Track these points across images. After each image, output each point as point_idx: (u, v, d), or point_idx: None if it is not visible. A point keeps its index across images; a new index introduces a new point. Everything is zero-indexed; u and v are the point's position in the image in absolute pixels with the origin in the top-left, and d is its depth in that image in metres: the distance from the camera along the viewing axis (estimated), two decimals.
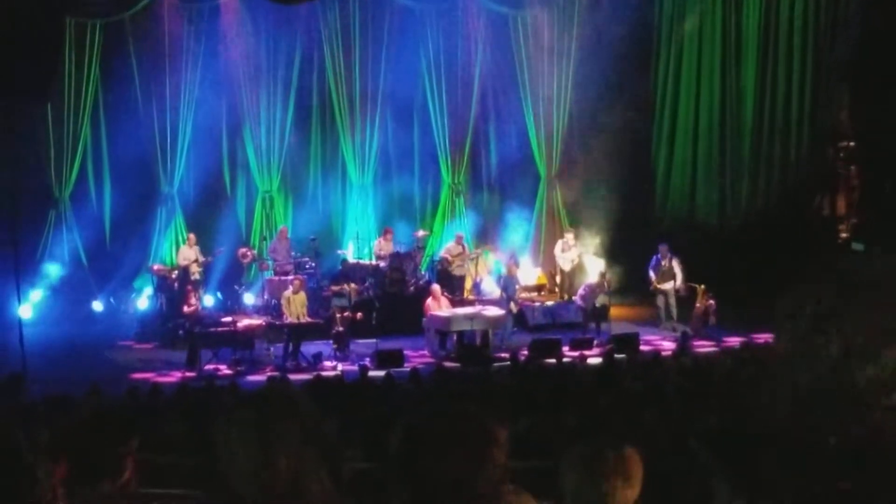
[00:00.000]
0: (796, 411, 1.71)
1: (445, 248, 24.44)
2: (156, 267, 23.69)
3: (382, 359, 18.74)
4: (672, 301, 22.18)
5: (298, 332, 19.96)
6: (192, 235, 23.77)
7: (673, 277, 22.16)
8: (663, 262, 22.31)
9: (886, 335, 1.63)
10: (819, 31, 24.99)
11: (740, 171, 26.06)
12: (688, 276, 22.10)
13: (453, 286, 23.48)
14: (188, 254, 23.22)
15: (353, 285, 22.14)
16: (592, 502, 3.57)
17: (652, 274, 22.44)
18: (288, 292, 20.48)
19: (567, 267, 24.55)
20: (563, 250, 24.62)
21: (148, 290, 23.82)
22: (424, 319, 20.84)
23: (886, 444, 1.65)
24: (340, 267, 23.21)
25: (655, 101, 26.93)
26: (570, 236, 24.83)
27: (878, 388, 1.63)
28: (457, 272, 23.83)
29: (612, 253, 25.14)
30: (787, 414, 1.73)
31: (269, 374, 18.27)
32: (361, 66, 25.76)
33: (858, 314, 1.64)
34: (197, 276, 22.83)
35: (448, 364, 18.37)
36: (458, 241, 24.16)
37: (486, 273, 24.46)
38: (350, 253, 24.51)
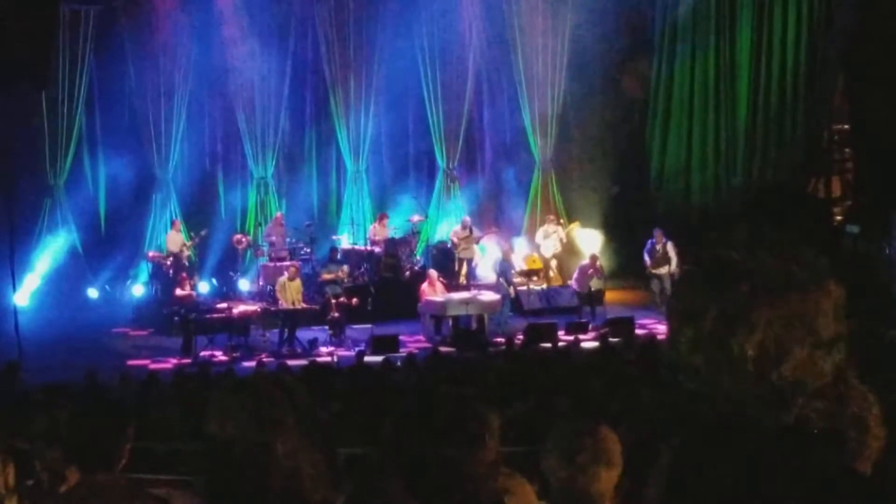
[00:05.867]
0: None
1: (452, 231, 24.42)
2: (151, 254, 23.71)
3: (378, 344, 18.76)
4: (667, 285, 22.17)
5: (294, 318, 20.00)
6: (176, 221, 23.83)
7: (668, 262, 22.21)
8: (658, 247, 22.37)
9: (797, 335, 1.64)
10: (814, 14, 24.96)
11: (735, 154, 26.06)
12: (682, 260, 22.13)
13: (456, 270, 23.53)
14: (175, 238, 23.25)
15: (345, 269, 22.17)
16: (574, 486, 3.58)
17: (647, 258, 22.51)
18: (283, 278, 20.48)
19: (548, 253, 24.55)
20: (544, 237, 24.63)
21: (143, 277, 23.82)
22: (420, 304, 20.87)
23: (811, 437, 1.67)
24: (329, 253, 23.18)
25: (650, 85, 26.91)
26: (551, 223, 24.80)
27: (792, 388, 1.64)
28: (462, 255, 23.80)
29: (608, 237, 25.17)
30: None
31: (264, 359, 18.28)
32: (356, 51, 25.74)
33: (769, 314, 1.65)
34: (186, 262, 22.83)
35: (444, 349, 18.38)
36: (465, 225, 24.11)
37: (478, 258, 24.41)
38: (345, 239, 24.51)
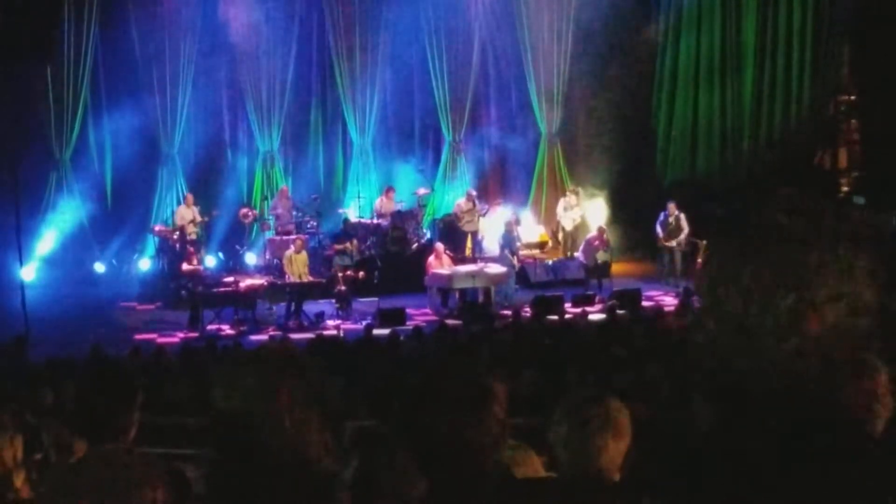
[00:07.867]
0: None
1: (456, 203, 24.38)
2: (157, 228, 23.68)
3: (385, 317, 18.77)
4: (678, 258, 22.14)
5: (300, 292, 20.01)
6: (189, 195, 23.68)
7: (680, 233, 22.15)
8: (671, 219, 22.27)
9: (781, 284, 1.67)
10: None
11: (741, 125, 25.99)
12: (692, 232, 22.08)
13: (462, 243, 23.52)
14: (185, 213, 23.18)
15: (354, 242, 22.17)
16: (583, 457, 3.57)
17: (659, 230, 22.41)
18: (290, 252, 20.49)
19: (569, 226, 24.48)
20: (565, 209, 24.56)
21: (150, 251, 23.81)
22: (426, 277, 20.85)
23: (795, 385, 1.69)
24: (342, 226, 23.21)
25: (656, 57, 26.81)
26: (573, 195, 24.76)
27: (775, 335, 1.67)
28: (466, 228, 23.79)
29: (614, 209, 25.12)
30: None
31: (271, 333, 18.30)
32: (362, 24, 25.64)
33: (756, 264, 1.68)
34: (193, 236, 22.79)
35: (450, 322, 18.37)
36: (469, 197, 24.06)
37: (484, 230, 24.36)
38: (351, 212, 24.49)
